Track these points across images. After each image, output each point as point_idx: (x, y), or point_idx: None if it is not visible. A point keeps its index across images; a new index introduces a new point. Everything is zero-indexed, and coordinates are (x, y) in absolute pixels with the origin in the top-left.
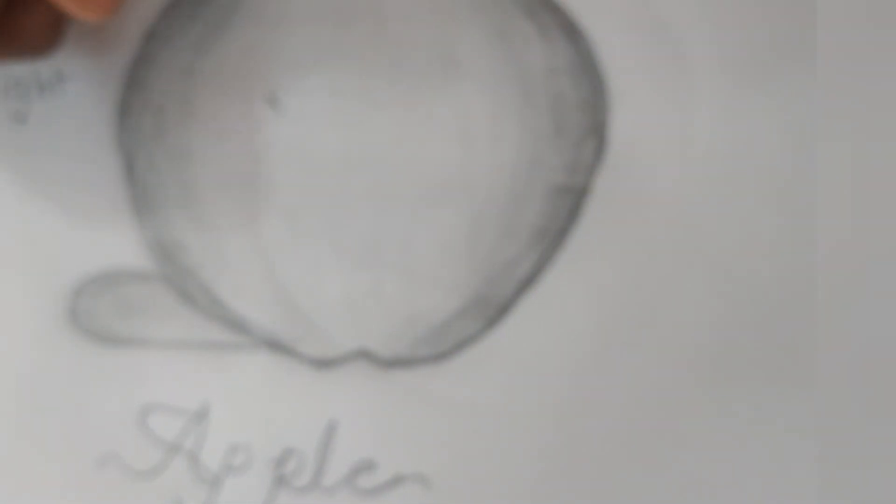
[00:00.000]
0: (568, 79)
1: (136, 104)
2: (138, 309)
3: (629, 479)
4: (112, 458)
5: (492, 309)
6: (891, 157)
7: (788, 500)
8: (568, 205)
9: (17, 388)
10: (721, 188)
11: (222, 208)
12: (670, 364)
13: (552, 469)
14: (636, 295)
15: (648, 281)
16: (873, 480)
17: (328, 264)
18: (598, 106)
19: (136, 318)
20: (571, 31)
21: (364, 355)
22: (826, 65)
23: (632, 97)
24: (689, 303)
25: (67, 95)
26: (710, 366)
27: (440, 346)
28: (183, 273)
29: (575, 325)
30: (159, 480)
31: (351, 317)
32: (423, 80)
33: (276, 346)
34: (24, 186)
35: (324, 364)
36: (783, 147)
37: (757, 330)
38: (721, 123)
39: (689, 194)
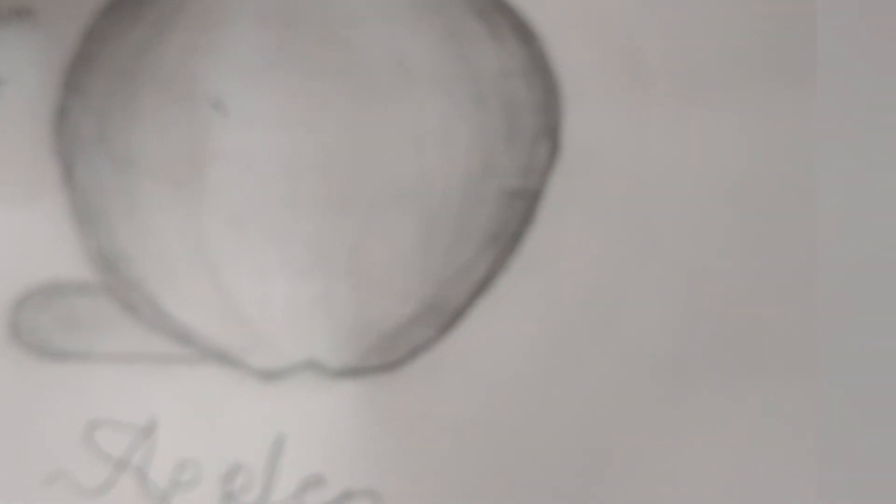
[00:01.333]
0: (520, 81)
1: (74, 108)
2: (81, 322)
3: (588, 492)
4: (60, 476)
5: (445, 315)
6: (881, 153)
7: None
8: (521, 209)
9: None
10: (676, 191)
11: (166, 216)
12: (627, 371)
13: (509, 482)
14: (592, 300)
15: (604, 286)
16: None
17: (275, 272)
18: (551, 108)
19: (79, 331)
20: (524, 33)
21: (312, 366)
22: (824, 79)
23: (585, 100)
24: (646, 308)
25: (2, 99)
26: (669, 372)
27: (392, 355)
28: (126, 284)
29: (531, 331)
30: (108, 497)
31: (299, 326)
32: (372, 82)
33: (223, 357)
34: None
35: (271, 376)
36: (737, 151)
37: (715, 336)
38: (676, 127)
39: (643, 198)
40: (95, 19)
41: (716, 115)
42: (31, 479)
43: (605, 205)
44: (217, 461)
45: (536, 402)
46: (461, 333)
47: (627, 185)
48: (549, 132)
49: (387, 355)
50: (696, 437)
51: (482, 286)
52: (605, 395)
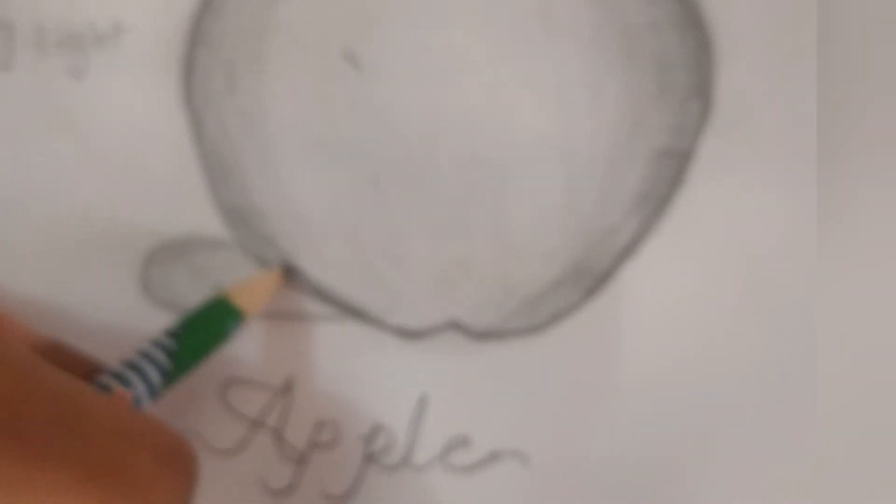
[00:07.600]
0: (672, 34)
1: (202, 59)
2: (214, 278)
3: (732, 449)
4: (192, 436)
5: (590, 279)
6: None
7: None
8: (671, 169)
9: None
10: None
11: (301, 172)
12: (775, 332)
13: (652, 441)
14: (742, 265)
15: (755, 249)
16: None
17: (415, 232)
18: (704, 64)
19: (211, 288)
20: None
21: (455, 327)
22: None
23: (739, 55)
24: (798, 269)
25: (127, 49)
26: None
27: (535, 318)
28: (260, 241)
29: (676, 295)
30: (242, 458)
31: (440, 287)
32: (516, 35)
33: (363, 316)
34: (85, 149)
35: (413, 336)
36: None
37: None
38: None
39: (800, 158)
40: None
41: None
42: None
43: (759, 165)
44: (357, 422)
45: (679, 365)
46: (606, 297)
47: (781, 144)
48: (702, 89)
49: (530, 318)
50: None
51: (629, 249)
52: (748, 355)
